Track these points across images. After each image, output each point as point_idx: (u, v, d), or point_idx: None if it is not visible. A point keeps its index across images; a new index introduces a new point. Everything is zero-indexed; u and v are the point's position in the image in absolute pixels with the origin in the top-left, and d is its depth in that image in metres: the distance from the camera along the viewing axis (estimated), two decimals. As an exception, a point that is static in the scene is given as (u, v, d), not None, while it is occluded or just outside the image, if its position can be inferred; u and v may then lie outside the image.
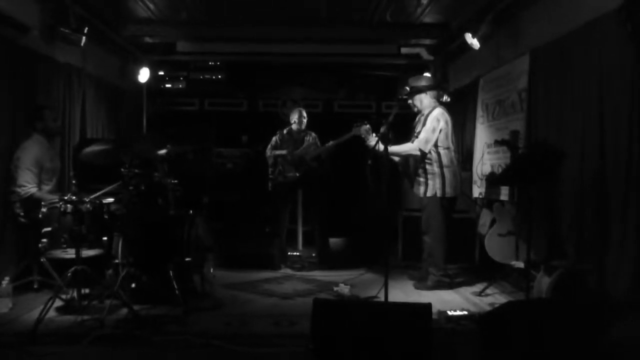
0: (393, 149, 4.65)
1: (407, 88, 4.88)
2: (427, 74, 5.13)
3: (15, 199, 4.42)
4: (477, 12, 5.59)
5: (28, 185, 4.41)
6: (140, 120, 7.23)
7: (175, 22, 6.50)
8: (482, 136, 5.96)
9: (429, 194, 4.72)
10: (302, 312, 3.90)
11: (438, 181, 4.69)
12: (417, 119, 4.93)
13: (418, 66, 7.23)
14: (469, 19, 5.84)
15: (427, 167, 4.72)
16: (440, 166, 4.70)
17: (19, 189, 4.40)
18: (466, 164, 6.34)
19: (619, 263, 3.68)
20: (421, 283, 4.83)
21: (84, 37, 5.24)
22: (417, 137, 4.72)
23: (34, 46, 4.97)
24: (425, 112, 4.82)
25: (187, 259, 4.27)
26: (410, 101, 4.91)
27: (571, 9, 4.30)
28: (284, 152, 6.10)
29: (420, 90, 4.84)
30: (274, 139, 6.23)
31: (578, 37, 4.18)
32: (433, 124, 4.69)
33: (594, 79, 3.95)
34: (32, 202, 4.32)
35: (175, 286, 4.00)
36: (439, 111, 4.76)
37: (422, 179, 4.76)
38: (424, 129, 4.70)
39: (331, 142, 5.94)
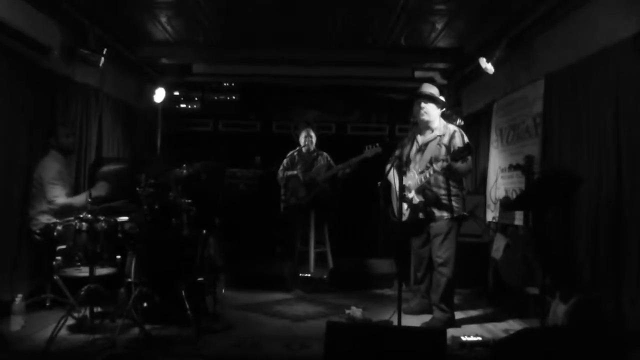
0: (462, 168, 4.31)
1: (421, 93, 4.55)
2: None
3: (50, 215, 4.45)
4: (492, 37, 5.62)
5: (58, 197, 4.47)
6: (155, 140, 7.30)
7: (191, 44, 6.60)
8: (496, 160, 5.93)
9: (456, 215, 4.41)
10: (313, 335, 3.88)
11: (461, 202, 4.45)
12: (433, 138, 4.52)
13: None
14: (483, 44, 5.87)
15: (452, 189, 4.43)
16: (462, 188, 4.53)
17: (50, 205, 4.45)
18: (480, 187, 6.31)
19: (636, 290, 3.62)
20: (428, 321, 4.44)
21: (102, 58, 5.35)
22: (464, 160, 4.28)
23: (54, 67, 5.06)
24: (441, 128, 4.53)
25: (199, 280, 4.28)
26: (423, 107, 4.51)
27: (586, 35, 4.31)
28: (295, 172, 6.12)
29: (437, 101, 4.55)
30: (285, 160, 6.27)
31: (594, 63, 4.18)
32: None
33: (610, 104, 3.94)
34: (68, 211, 4.38)
35: (187, 306, 3.98)
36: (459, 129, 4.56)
37: (445, 202, 4.41)
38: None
39: (343, 164, 5.98)
